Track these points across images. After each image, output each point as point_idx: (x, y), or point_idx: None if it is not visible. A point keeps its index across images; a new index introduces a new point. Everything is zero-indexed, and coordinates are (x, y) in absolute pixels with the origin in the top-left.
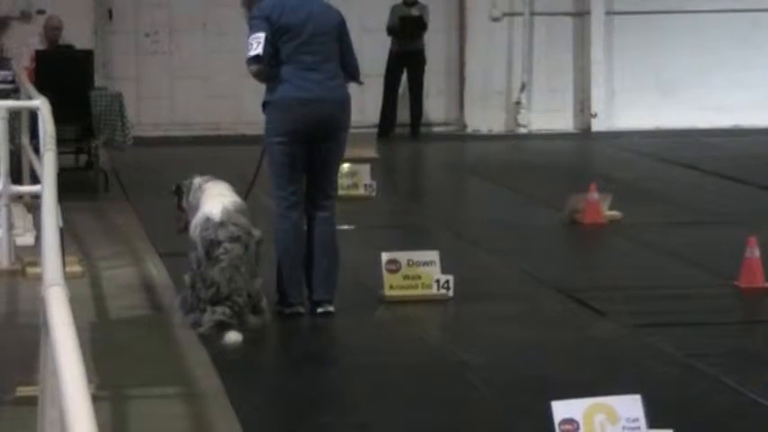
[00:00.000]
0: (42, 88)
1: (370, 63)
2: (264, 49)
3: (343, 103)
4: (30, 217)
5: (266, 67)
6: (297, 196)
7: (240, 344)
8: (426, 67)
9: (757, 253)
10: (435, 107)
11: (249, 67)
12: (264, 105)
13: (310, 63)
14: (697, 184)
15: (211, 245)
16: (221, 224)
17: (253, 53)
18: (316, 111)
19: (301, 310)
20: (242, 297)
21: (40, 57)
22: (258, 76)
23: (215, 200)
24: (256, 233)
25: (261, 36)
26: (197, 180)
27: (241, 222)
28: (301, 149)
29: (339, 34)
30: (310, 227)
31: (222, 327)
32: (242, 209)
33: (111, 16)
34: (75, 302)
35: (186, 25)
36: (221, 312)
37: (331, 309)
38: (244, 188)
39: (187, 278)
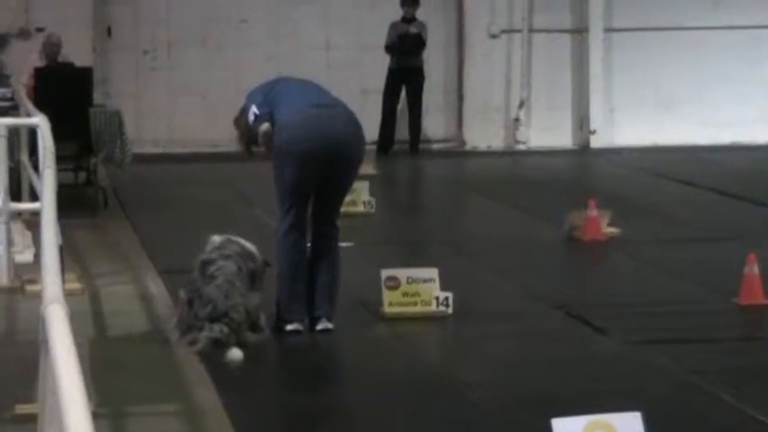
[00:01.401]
0: (41, 105)
1: (368, 79)
2: (261, 108)
3: (357, 124)
4: (29, 234)
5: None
6: (301, 216)
7: (241, 361)
8: (425, 84)
9: (757, 270)
10: (434, 124)
11: (258, 130)
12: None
13: (315, 89)
14: (696, 200)
15: (204, 264)
16: (218, 247)
17: (252, 117)
18: (329, 121)
19: (301, 327)
20: (239, 314)
21: (39, 74)
22: (267, 134)
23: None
24: (258, 255)
25: (252, 106)
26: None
27: (234, 248)
28: (311, 171)
29: None
30: (313, 244)
31: (217, 345)
32: (237, 240)
33: (110, 33)
34: (73, 319)
35: (185, 42)
36: (218, 330)
37: (330, 326)
38: (243, 205)
39: (183, 294)
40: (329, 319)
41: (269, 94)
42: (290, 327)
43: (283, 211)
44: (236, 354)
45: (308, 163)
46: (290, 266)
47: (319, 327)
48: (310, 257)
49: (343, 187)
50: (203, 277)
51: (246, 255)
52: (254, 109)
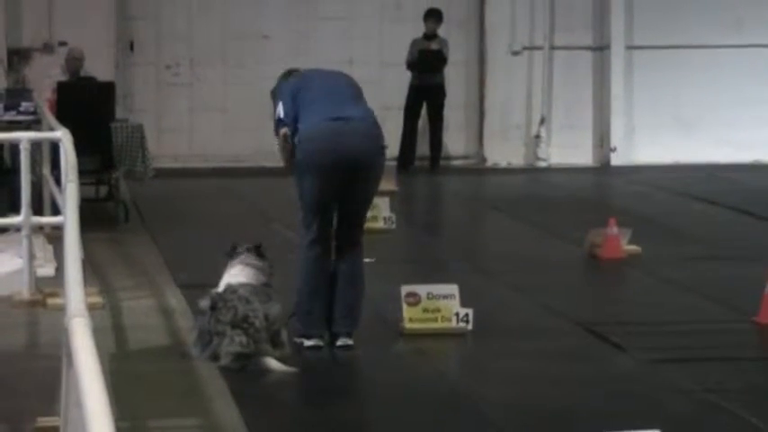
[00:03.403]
0: (64, 120)
1: (390, 96)
2: (286, 112)
3: (376, 137)
4: (50, 248)
5: (291, 127)
6: (323, 231)
7: (275, 371)
8: (446, 101)
9: None
10: (455, 140)
11: (278, 132)
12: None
13: (339, 98)
14: (716, 219)
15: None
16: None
17: (276, 116)
18: (345, 136)
19: (320, 343)
20: (258, 319)
21: (61, 88)
22: (286, 141)
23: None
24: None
25: (280, 105)
26: (237, 258)
27: (249, 287)
28: (331, 185)
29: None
30: (336, 259)
31: (240, 358)
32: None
33: (132, 48)
34: (94, 333)
35: (206, 58)
36: (238, 343)
37: (350, 342)
38: (263, 221)
39: (206, 303)
40: (349, 336)
41: (297, 94)
42: (309, 342)
43: (305, 226)
44: (274, 364)
45: (326, 177)
46: (310, 281)
47: (339, 343)
48: (333, 273)
49: (365, 200)
50: (226, 292)
51: (262, 291)
52: (279, 109)
